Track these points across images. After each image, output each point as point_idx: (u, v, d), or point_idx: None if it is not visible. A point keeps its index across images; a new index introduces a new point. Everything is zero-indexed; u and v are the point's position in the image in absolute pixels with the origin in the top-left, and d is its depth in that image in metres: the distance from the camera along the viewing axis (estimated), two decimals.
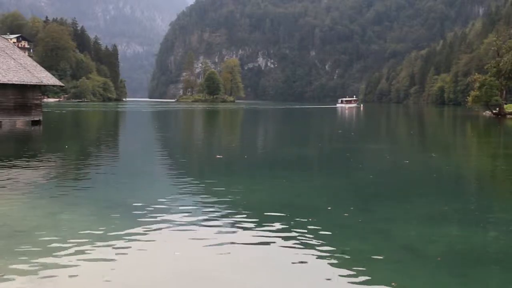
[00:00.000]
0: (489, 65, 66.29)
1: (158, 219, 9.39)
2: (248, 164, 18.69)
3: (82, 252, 7.42)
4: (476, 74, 70.96)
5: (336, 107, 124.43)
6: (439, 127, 52.49)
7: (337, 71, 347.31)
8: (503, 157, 23.16)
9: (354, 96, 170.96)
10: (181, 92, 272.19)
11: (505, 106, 66.97)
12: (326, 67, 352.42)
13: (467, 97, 70.31)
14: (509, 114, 63.08)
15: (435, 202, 11.63)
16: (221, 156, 20.04)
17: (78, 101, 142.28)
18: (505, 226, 9.42)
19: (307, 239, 8.26)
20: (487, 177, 17.08)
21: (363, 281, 6.50)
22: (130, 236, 8.27)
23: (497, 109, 65.17)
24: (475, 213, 10.67)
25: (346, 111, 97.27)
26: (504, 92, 67.67)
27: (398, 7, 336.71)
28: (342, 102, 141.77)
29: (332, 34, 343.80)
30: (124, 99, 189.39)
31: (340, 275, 6.67)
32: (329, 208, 10.66)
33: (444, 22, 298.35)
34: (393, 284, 6.41)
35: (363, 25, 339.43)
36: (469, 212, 10.73)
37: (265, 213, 9.95)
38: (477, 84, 63.50)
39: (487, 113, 67.21)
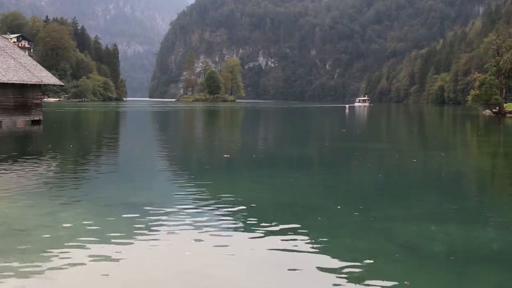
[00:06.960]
0: (489, 64, 66.14)
1: (161, 218, 9.25)
2: (256, 163, 18.50)
3: (82, 251, 7.32)
4: (476, 73, 70.79)
5: (354, 106, 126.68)
6: (442, 126, 52.33)
7: (337, 70, 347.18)
8: (509, 156, 23.08)
9: (366, 96, 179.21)
10: (181, 91, 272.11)
11: (505, 105, 66.89)
12: (327, 66, 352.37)
13: (467, 96, 70.13)
14: (509, 113, 62.97)
15: (447, 201, 11.52)
16: (229, 155, 19.93)
17: (79, 101, 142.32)
18: None
19: (318, 238, 8.17)
20: (497, 176, 16.94)
21: (374, 280, 6.39)
22: (131, 235, 8.15)
23: (497, 108, 65.07)
24: (484, 211, 10.61)
25: (348, 109, 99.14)
26: (504, 91, 67.52)
27: (398, 6, 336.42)
28: (359, 101, 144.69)
29: (333, 33, 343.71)
30: (124, 99, 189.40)
31: (350, 274, 6.57)
32: (339, 207, 10.59)
33: (444, 21, 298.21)
34: (405, 283, 6.32)
35: (363, 24, 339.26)
36: (480, 211, 10.67)
37: (275, 213, 9.84)
38: (477, 83, 63.30)
39: (487, 112, 67.08)
